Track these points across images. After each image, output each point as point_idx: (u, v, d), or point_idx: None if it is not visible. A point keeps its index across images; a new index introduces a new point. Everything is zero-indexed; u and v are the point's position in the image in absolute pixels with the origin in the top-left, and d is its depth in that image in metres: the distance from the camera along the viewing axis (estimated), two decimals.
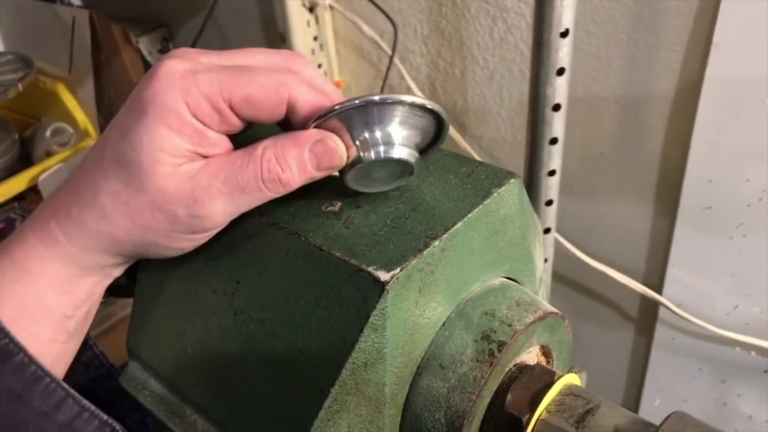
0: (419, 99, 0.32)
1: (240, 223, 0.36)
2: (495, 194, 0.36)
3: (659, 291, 0.85)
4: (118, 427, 0.37)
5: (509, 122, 0.91)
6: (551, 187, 0.64)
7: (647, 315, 0.91)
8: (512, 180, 0.37)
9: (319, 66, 1.05)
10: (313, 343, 0.32)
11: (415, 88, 0.96)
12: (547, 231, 0.68)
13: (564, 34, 0.55)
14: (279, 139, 0.33)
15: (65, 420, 0.35)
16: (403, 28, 0.95)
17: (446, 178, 0.38)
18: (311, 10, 0.99)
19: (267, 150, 0.32)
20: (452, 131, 0.95)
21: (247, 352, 0.35)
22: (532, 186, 0.64)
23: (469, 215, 0.35)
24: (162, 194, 0.32)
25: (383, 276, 0.31)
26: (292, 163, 0.32)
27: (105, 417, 0.37)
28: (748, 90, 0.67)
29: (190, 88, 0.31)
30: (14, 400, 0.33)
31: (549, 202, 0.65)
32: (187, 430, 0.38)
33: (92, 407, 0.36)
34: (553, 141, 0.61)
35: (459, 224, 0.34)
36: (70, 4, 1.39)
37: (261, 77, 0.32)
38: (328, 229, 0.34)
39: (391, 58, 0.94)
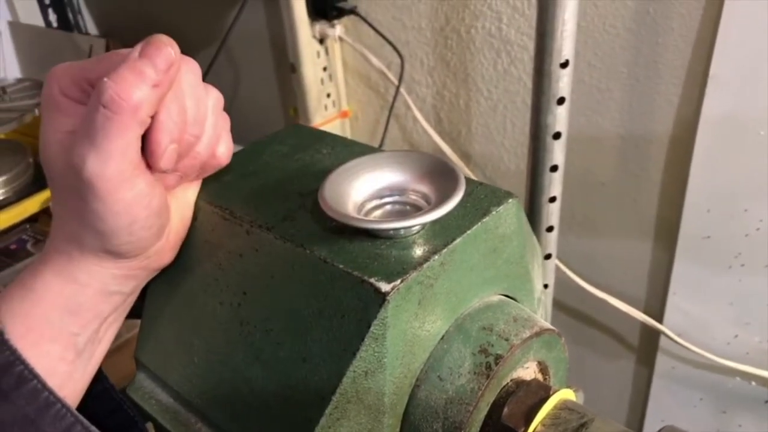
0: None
1: (248, 237, 0.37)
2: (494, 212, 0.37)
3: (660, 320, 0.85)
4: None
5: (512, 152, 0.93)
6: (552, 214, 0.65)
7: (648, 344, 0.91)
8: (510, 200, 0.38)
9: (328, 96, 1.07)
10: (315, 352, 0.33)
11: (420, 118, 0.98)
12: (548, 257, 0.69)
13: (564, 65, 0.57)
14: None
15: None
16: (409, 59, 0.97)
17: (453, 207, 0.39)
18: (321, 41, 1.02)
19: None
20: (457, 160, 0.97)
21: (251, 361, 0.36)
22: (533, 212, 0.66)
23: (469, 231, 0.36)
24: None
25: (384, 287, 0.32)
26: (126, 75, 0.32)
27: None
28: (745, 121, 0.68)
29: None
30: (27, 425, 0.34)
31: (550, 228, 0.66)
32: None
33: None
34: (554, 168, 0.62)
35: (458, 240, 0.35)
36: (87, 33, 1.43)
37: None
38: (332, 242, 0.35)
39: (398, 88, 0.96)
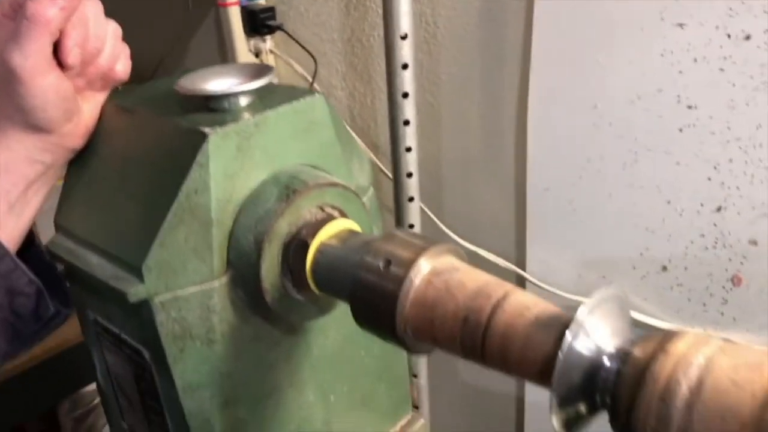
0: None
1: (132, 117, 0.51)
2: (302, 100, 0.50)
3: (524, 268, 0.98)
4: (41, 286, 0.50)
5: None
6: (409, 162, 0.79)
7: None
8: (317, 95, 0.52)
9: None
10: (165, 182, 0.46)
11: None
12: (410, 200, 0.82)
13: (404, 67, 0.71)
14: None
15: (4, 271, 0.48)
16: (327, 67, 1.12)
17: (274, 96, 0.52)
18: (257, 55, 1.17)
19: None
20: (366, 149, 1.11)
21: (127, 199, 0.48)
22: (395, 161, 0.79)
23: (279, 108, 0.49)
24: None
25: (207, 130, 0.45)
26: None
27: (33, 276, 0.49)
28: (563, 89, 0.83)
29: None
30: None
31: (409, 174, 0.80)
32: (92, 268, 0.51)
33: (24, 267, 0.48)
34: (406, 123, 0.76)
35: (270, 111, 0.48)
36: None
37: None
38: (185, 114, 0.48)
39: (311, 85, 1.11)
